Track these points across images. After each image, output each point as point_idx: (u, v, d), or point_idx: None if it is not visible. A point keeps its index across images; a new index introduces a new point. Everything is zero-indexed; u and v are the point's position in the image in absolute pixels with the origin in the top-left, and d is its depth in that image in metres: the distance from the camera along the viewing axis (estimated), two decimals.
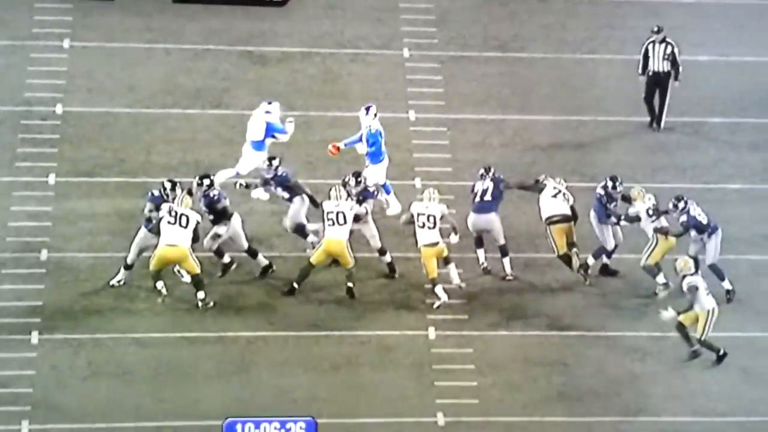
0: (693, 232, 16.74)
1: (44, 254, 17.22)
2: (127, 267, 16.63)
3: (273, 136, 18.12)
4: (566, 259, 16.94)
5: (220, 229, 16.73)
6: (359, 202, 16.92)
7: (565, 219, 16.96)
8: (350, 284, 16.71)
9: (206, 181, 16.79)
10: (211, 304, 16.49)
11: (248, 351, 15.94)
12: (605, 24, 21.95)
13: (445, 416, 15.29)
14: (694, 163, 19.48)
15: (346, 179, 17.03)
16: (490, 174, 17.17)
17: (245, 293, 16.81)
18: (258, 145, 17.99)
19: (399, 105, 20.29)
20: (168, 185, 16.60)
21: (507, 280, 17.09)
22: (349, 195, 16.89)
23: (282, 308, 16.60)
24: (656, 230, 16.78)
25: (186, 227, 16.25)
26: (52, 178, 18.53)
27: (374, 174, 17.82)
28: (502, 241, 17.09)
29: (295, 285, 16.70)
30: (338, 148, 18.01)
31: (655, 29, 19.84)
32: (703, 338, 15.62)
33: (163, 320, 16.31)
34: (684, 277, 15.63)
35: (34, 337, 15.96)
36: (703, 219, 16.78)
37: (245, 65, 20.94)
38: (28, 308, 16.33)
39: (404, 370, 15.76)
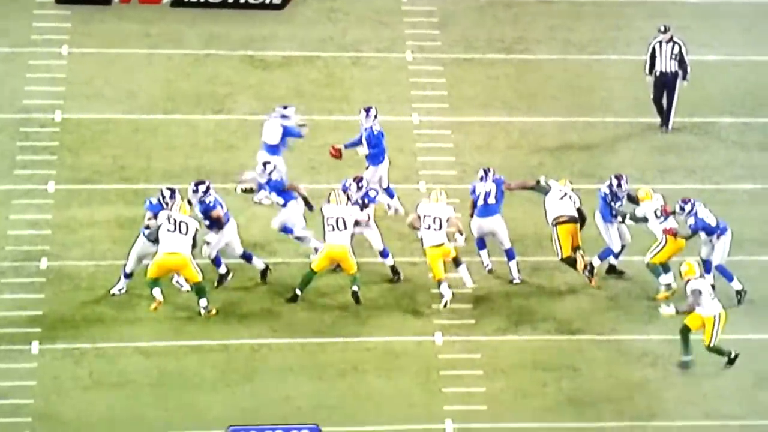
0: (702, 234, 16.49)
1: (44, 263, 17.01)
2: (127, 276, 16.42)
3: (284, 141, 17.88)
4: (570, 262, 16.73)
5: (211, 237, 16.49)
6: (362, 207, 16.69)
7: (571, 220, 16.75)
8: (355, 288, 16.48)
9: (201, 188, 16.55)
10: (214, 311, 16.26)
11: (252, 359, 15.73)
12: (611, 25, 21.77)
13: (454, 423, 15.06)
14: (704, 164, 19.28)
15: (347, 184, 16.79)
16: (491, 175, 16.91)
17: (249, 300, 16.60)
18: (272, 149, 17.80)
19: (402, 108, 20.10)
20: (167, 193, 16.39)
21: (514, 284, 16.85)
22: (349, 200, 16.67)
23: (286, 315, 16.39)
24: (665, 231, 16.53)
25: (186, 234, 16.04)
26: (51, 186, 18.33)
27: (374, 176, 17.59)
28: (507, 245, 16.90)
29: (298, 292, 16.51)
30: (339, 150, 17.82)
31: (662, 29, 19.64)
32: (711, 344, 15.35)
33: (165, 328, 16.09)
34: (688, 280, 15.35)
35: (35, 347, 15.75)
36: (712, 220, 16.56)
37: (246, 70, 20.76)
38: (28, 318, 16.13)
39: (411, 377, 15.55)
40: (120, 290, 16.43)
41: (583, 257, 16.74)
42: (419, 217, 16.53)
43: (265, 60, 20.91)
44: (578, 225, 16.77)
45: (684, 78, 19.53)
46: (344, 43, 21.32)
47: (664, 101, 19.63)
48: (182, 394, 15.23)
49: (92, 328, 16.02)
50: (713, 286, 16.03)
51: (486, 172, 17.00)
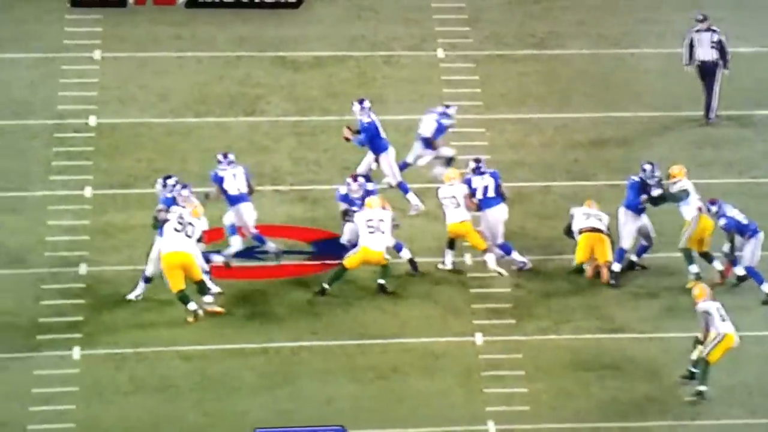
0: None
1: (83, 268, 17.06)
2: (147, 280, 16.41)
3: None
4: (579, 271, 16.68)
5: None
6: (357, 204, 16.60)
7: (595, 230, 16.67)
8: (381, 281, 16.43)
9: (170, 182, 16.48)
10: (218, 309, 16.15)
11: (292, 361, 15.73)
12: (644, 18, 21.62)
13: (496, 424, 15.01)
14: (742, 158, 19.12)
15: (347, 182, 16.73)
16: (482, 166, 16.77)
17: (288, 303, 16.58)
18: (426, 142, 17.98)
19: (435, 106, 20.02)
20: (171, 180, 16.26)
21: (524, 269, 16.68)
22: (344, 200, 16.67)
23: (326, 317, 16.38)
24: (700, 209, 16.36)
25: (191, 237, 16.03)
26: (88, 191, 18.37)
27: (389, 164, 17.54)
28: (500, 240, 16.74)
29: (326, 286, 16.44)
30: (349, 135, 17.76)
31: (700, 17, 19.45)
32: (704, 356, 14.93)
33: (205, 332, 16.12)
34: (697, 303, 15.15)
35: (76, 352, 15.80)
36: (743, 219, 16.40)
37: (278, 71, 20.74)
38: (68, 323, 16.18)
39: (452, 378, 15.51)
40: (137, 296, 16.40)
41: (607, 269, 16.57)
42: (440, 201, 16.63)
43: (297, 61, 20.88)
44: (602, 237, 16.60)
45: (725, 67, 19.32)
46: (375, 41, 21.26)
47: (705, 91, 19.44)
48: (222, 398, 15.24)
49: (132, 332, 16.05)
50: (738, 281, 15.89)
51: (478, 164, 16.85)
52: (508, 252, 16.87)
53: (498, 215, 16.83)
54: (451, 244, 16.89)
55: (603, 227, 16.78)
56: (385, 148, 17.71)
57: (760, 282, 16.41)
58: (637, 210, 16.79)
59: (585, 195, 18.12)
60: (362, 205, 16.72)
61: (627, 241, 16.75)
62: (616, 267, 16.80)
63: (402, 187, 17.77)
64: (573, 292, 16.77)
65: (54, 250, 17.31)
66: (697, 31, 19.38)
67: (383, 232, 16.43)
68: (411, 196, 17.72)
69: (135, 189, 18.47)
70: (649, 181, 16.72)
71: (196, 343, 15.93)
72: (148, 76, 20.55)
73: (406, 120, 19.90)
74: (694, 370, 15.11)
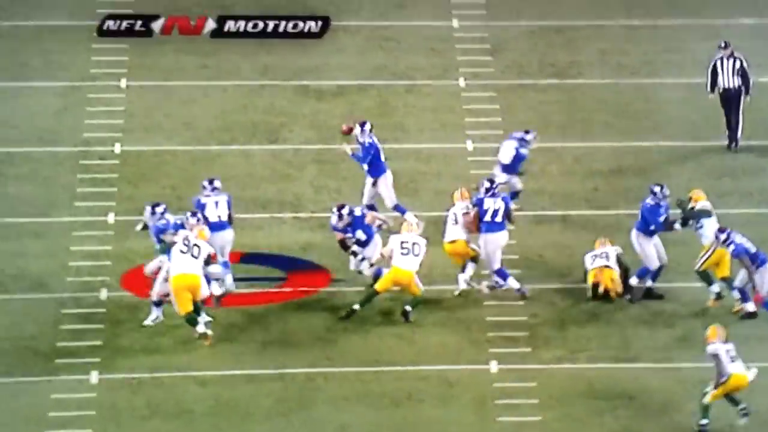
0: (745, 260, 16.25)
1: (104, 293, 17.25)
2: (157, 304, 16.50)
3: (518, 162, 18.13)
4: (594, 294, 16.70)
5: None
6: (350, 231, 16.72)
7: (605, 267, 16.73)
8: (408, 308, 16.54)
9: (158, 210, 16.64)
10: (209, 337, 16.15)
11: (307, 387, 15.80)
12: (664, 47, 21.64)
13: None
14: (761, 187, 19.05)
15: (334, 210, 16.86)
16: (496, 189, 16.82)
17: (304, 329, 16.68)
18: (505, 168, 18.20)
19: (456, 135, 20.12)
20: (160, 208, 16.43)
21: (523, 295, 16.73)
22: (336, 229, 16.76)
23: (341, 344, 16.45)
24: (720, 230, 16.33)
25: (197, 258, 16.15)
26: (111, 217, 18.59)
27: (386, 188, 17.71)
28: (497, 266, 16.76)
29: (357, 307, 16.52)
30: (351, 129, 17.90)
31: (722, 45, 19.46)
32: (706, 392, 14.74)
33: (221, 358, 16.22)
34: (707, 345, 15.05)
35: (94, 376, 15.95)
36: (751, 248, 16.34)
37: (301, 100, 20.93)
38: (88, 348, 16.34)
39: (466, 406, 15.51)
40: (154, 320, 16.51)
41: (616, 295, 16.61)
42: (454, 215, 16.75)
43: (320, 89, 21.07)
44: (608, 269, 16.63)
45: (747, 93, 19.28)
46: (397, 71, 21.41)
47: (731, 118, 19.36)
48: (238, 423, 15.32)
49: (150, 357, 16.19)
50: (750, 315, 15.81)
51: (492, 186, 16.91)
52: (504, 277, 16.91)
53: (500, 241, 16.88)
54: (464, 267, 16.92)
55: (609, 263, 16.82)
56: (383, 171, 17.87)
57: None
58: (649, 232, 16.78)
59: (603, 224, 18.13)
60: (354, 233, 16.80)
61: (652, 261, 16.72)
62: (634, 281, 16.75)
63: (399, 209, 17.92)
64: (589, 321, 16.74)
65: (76, 276, 17.51)
66: (720, 58, 19.37)
67: (416, 255, 16.50)
68: (409, 216, 17.85)
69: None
70: (661, 203, 16.71)
71: (212, 369, 16.03)
72: (173, 105, 20.80)
73: (427, 148, 20.02)
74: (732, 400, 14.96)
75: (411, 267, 16.47)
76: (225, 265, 16.95)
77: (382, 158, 17.91)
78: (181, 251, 16.22)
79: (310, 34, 21.97)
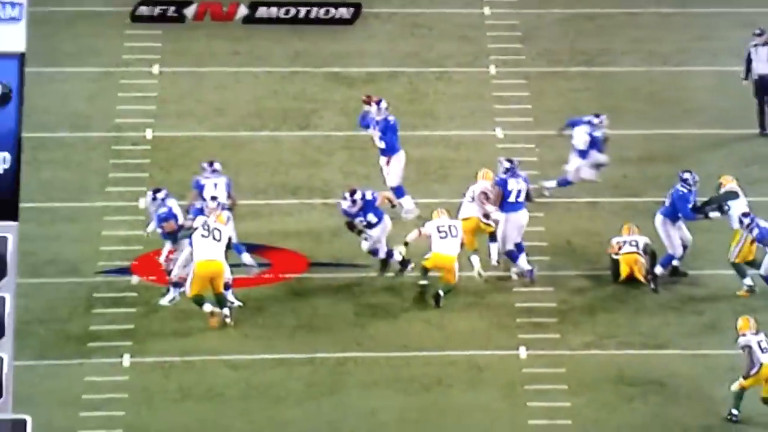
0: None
1: (135, 278, 17.38)
2: (176, 285, 16.53)
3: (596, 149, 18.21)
4: (615, 276, 16.74)
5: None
6: (361, 215, 16.78)
7: (632, 252, 16.72)
8: (441, 293, 16.58)
9: (159, 195, 16.66)
10: (232, 323, 16.25)
11: (338, 372, 15.88)
12: (697, 35, 21.54)
13: None
14: None
15: (345, 196, 16.90)
16: (516, 168, 16.85)
17: (334, 314, 16.76)
18: (581, 153, 18.27)
19: (486, 122, 20.12)
20: (161, 194, 16.48)
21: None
22: (348, 214, 16.80)
23: (371, 329, 16.53)
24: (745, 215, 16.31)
25: (219, 241, 16.19)
26: (142, 203, 18.73)
27: (399, 166, 17.76)
28: (511, 246, 16.88)
29: (424, 282, 16.55)
30: (370, 98, 18.03)
31: (758, 31, 19.36)
32: (739, 386, 14.83)
33: (252, 342, 16.33)
34: (739, 336, 14.99)
35: (126, 360, 16.09)
36: None
37: (332, 86, 20.98)
38: (120, 331, 16.48)
39: (495, 391, 15.56)
40: (171, 300, 16.59)
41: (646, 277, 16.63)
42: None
43: (350, 76, 21.11)
44: (637, 256, 16.64)
45: None
46: (428, 58, 21.41)
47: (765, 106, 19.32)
48: (268, 407, 15.43)
49: (181, 341, 16.30)
50: None
51: (512, 166, 16.92)
52: (514, 259, 16.91)
53: (521, 220, 16.93)
54: (492, 237, 16.87)
55: (638, 250, 16.81)
56: (397, 150, 17.92)
57: None
58: (675, 217, 16.74)
59: (633, 210, 18.10)
60: (365, 216, 16.84)
61: (677, 249, 16.71)
62: (659, 270, 16.76)
63: (398, 192, 17.94)
64: (618, 308, 16.74)
65: (108, 260, 17.66)
66: (755, 45, 19.28)
67: (455, 237, 16.56)
68: (406, 200, 17.85)
69: (188, 201, 18.79)
70: (693, 188, 16.67)
71: (243, 353, 16.14)
72: (204, 91, 20.89)
73: (457, 135, 20.03)
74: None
75: (451, 251, 16.54)
76: (237, 248, 17.00)
77: (397, 137, 17.93)
78: (202, 235, 16.27)
79: (341, 21, 21.98)
